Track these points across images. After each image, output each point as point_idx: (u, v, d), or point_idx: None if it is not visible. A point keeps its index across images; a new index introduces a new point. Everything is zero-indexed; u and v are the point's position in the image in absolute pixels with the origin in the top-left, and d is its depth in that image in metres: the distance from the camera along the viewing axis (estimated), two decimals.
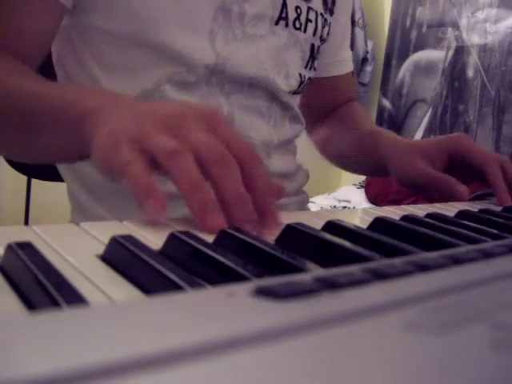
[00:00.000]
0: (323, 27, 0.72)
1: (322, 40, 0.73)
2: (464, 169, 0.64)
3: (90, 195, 0.66)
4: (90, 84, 0.61)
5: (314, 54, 0.72)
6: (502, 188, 0.59)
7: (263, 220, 0.35)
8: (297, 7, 0.66)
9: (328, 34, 0.75)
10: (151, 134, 0.34)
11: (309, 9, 0.68)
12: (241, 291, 0.17)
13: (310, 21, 0.69)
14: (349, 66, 0.86)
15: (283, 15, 0.64)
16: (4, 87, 0.49)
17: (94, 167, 0.37)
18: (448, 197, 0.59)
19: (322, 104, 0.86)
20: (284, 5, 0.64)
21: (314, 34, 0.70)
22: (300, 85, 0.70)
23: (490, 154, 0.63)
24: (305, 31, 0.68)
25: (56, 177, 0.75)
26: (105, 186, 0.64)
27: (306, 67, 0.71)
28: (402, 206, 0.51)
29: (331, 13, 0.74)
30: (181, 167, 0.33)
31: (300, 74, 0.70)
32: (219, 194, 0.33)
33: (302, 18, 0.67)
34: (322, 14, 0.71)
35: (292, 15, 0.66)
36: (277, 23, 0.64)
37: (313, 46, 0.71)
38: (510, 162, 0.62)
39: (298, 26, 0.67)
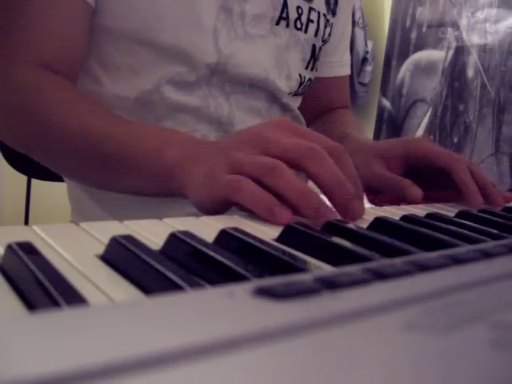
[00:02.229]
0: (325, 28, 0.71)
1: (324, 41, 0.73)
2: (426, 172, 0.58)
3: (89, 196, 0.66)
4: (91, 85, 0.61)
5: (315, 55, 0.71)
6: (473, 186, 0.51)
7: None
8: (298, 7, 0.66)
9: (330, 34, 0.74)
10: (242, 157, 0.36)
11: (310, 9, 0.68)
12: (241, 291, 0.17)
13: (312, 21, 0.68)
14: (343, 70, 0.82)
15: (284, 15, 0.64)
16: (72, 127, 0.50)
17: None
18: (403, 199, 0.54)
19: (311, 106, 0.80)
20: (285, 5, 0.64)
21: (316, 34, 0.70)
22: (300, 85, 0.70)
23: (456, 154, 0.56)
24: (306, 31, 0.68)
25: (56, 177, 0.75)
26: None
27: (306, 68, 0.71)
28: (402, 206, 0.51)
29: (334, 13, 0.74)
30: (285, 181, 0.35)
31: (300, 75, 0.69)
32: (318, 183, 0.36)
33: (304, 19, 0.67)
34: (324, 15, 0.70)
35: (293, 15, 0.65)
36: (277, 23, 0.64)
37: (314, 46, 0.70)
38: (478, 166, 0.55)
39: (299, 26, 0.67)
